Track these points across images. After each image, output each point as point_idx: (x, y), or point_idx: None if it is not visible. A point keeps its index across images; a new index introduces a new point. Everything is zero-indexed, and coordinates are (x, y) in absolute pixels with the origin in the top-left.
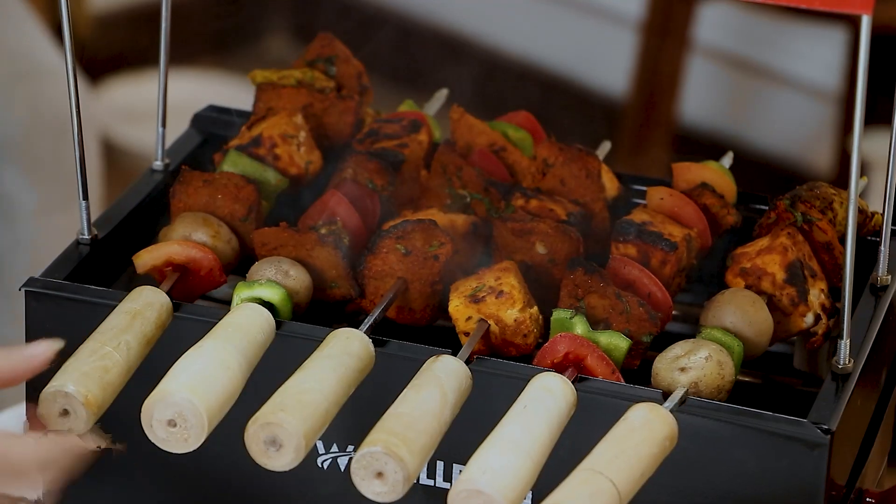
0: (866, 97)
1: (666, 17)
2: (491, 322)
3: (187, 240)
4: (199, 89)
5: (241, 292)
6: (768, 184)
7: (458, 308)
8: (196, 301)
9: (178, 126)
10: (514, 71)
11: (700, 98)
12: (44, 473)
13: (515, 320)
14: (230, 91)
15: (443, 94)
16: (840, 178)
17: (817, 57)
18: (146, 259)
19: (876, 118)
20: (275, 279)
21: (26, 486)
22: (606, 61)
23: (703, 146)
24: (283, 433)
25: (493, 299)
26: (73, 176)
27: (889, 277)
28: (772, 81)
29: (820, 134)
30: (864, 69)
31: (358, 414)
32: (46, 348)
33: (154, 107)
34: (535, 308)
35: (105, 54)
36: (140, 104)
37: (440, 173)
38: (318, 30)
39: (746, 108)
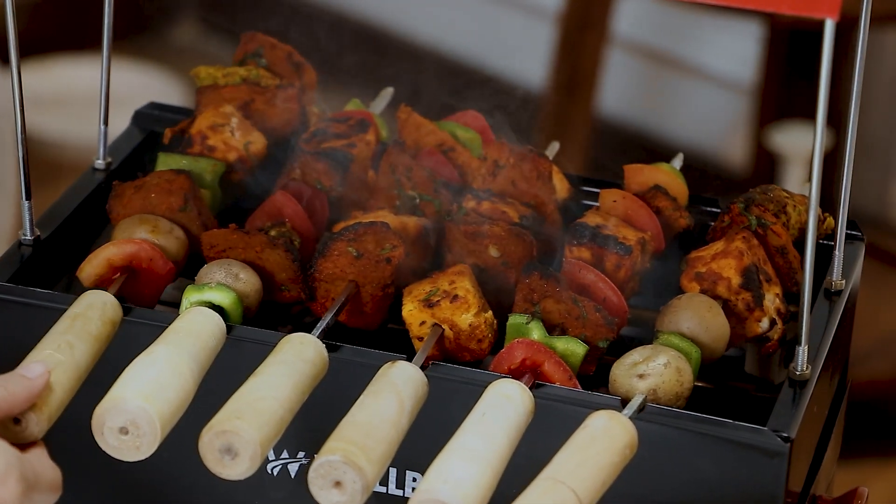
0: (784, 93)
1: (585, 10)
2: (445, 327)
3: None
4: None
5: (191, 296)
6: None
7: (412, 312)
8: (156, 306)
9: (86, 115)
10: (430, 62)
11: (618, 91)
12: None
13: (470, 325)
14: (140, 79)
15: (388, 92)
16: (756, 172)
17: (732, 50)
18: (88, 270)
19: (793, 112)
20: (225, 282)
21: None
22: (525, 53)
23: (621, 139)
24: (240, 441)
25: (447, 304)
26: None
27: (843, 282)
28: (688, 74)
29: (734, 127)
30: (827, 73)
31: (309, 420)
32: (42, 369)
33: (68, 93)
34: (490, 312)
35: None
36: (46, 92)
37: (389, 174)
38: (224, 16)
39: (663, 100)
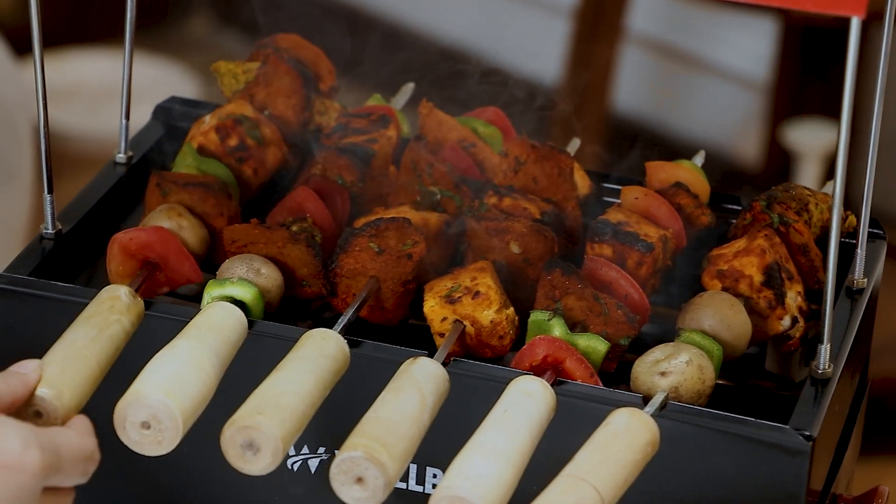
0: (798, 90)
1: (599, 6)
2: (466, 323)
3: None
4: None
5: (213, 290)
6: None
7: (434, 309)
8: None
9: (96, 107)
10: (447, 60)
11: (631, 87)
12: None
13: (492, 321)
14: (155, 73)
15: (409, 87)
16: (768, 169)
17: (747, 47)
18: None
19: (807, 109)
20: (246, 277)
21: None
22: (539, 49)
23: (636, 136)
24: (261, 437)
25: (469, 300)
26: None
27: (865, 280)
28: (702, 71)
29: (748, 124)
30: (853, 71)
31: (329, 415)
32: (35, 365)
33: (79, 86)
34: (512, 309)
35: (24, 31)
36: (63, 84)
37: (410, 170)
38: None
39: (677, 97)
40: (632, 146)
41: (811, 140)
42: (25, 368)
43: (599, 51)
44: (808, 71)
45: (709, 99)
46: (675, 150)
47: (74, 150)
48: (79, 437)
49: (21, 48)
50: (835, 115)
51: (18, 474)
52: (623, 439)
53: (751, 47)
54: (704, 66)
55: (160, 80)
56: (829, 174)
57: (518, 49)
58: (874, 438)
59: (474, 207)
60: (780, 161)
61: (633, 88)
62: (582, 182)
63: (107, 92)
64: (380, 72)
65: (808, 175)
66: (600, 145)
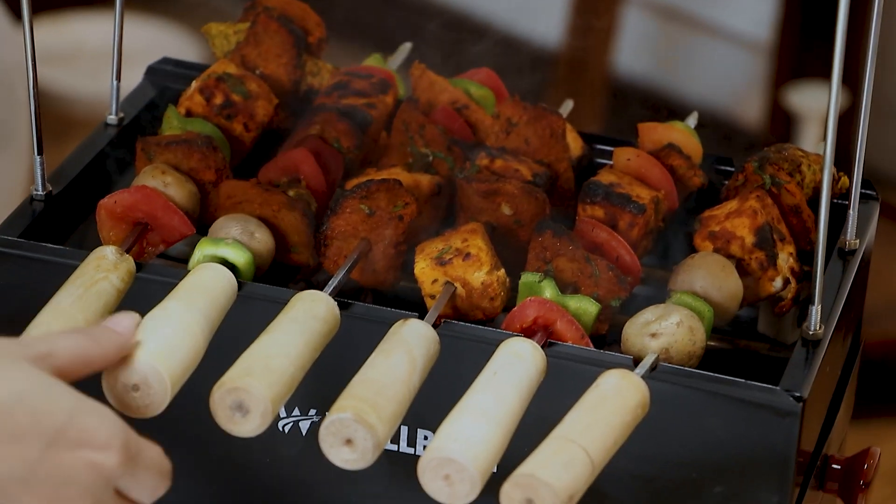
0: (800, 52)
1: None
2: (458, 285)
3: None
4: (130, 35)
5: (205, 248)
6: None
7: (424, 270)
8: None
9: (98, 70)
10: (444, 20)
11: (633, 49)
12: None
13: (483, 283)
14: (152, 35)
15: (406, 47)
16: (772, 131)
17: (749, 9)
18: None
19: (809, 71)
20: (240, 240)
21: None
22: (540, 11)
23: (637, 98)
24: (250, 398)
25: (459, 261)
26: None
27: (857, 241)
28: (704, 33)
29: (750, 86)
30: (843, 31)
31: (320, 377)
32: (130, 322)
33: (80, 48)
34: (503, 271)
35: None
36: (62, 46)
37: (402, 131)
38: None
39: (678, 59)
40: (632, 108)
41: (813, 102)
42: (119, 325)
43: (600, 12)
44: (809, 33)
45: (710, 61)
46: (676, 112)
47: (77, 112)
48: (159, 453)
49: (20, 12)
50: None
51: (98, 467)
52: (613, 401)
53: (753, 9)
54: (706, 27)
55: (158, 42)
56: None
57: (519, 11)
58: (871, 401)
59: (465, 169)
60: (782, 124)
61: (634, 51)
62: (574, 143)
63: (109, 54)
64: (380, 31)
65: (809, 137)
66: (602, 108)
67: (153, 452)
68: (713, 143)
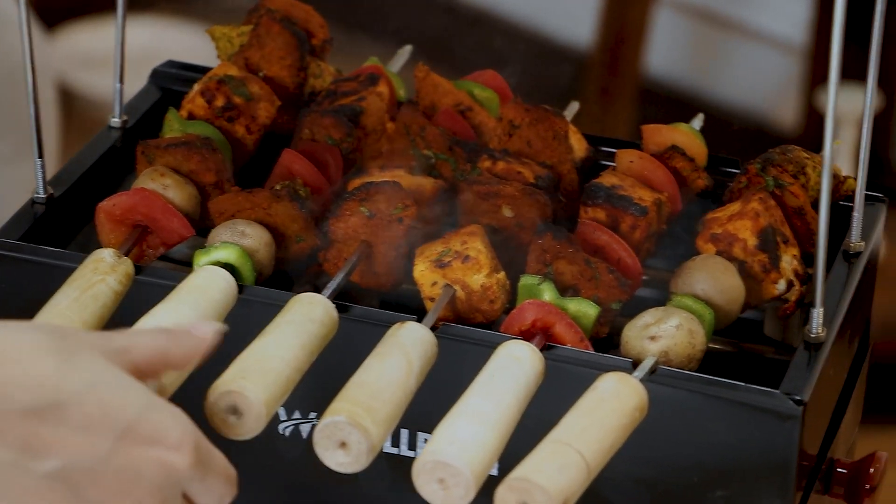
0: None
1: None
2: (457, 287)
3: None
4: (156, 39)
5: (200, 259)
6: (736, 139)
7: (424, 273)
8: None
9: (136, 78)
10: (476, 22)
11: (666, 51)
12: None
13: (482, 286)
14: (190, 41)
15: (406, 50)
16: (807, 134)
17: (784, 10)
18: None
19: (845, 74)
20: (231, 240)
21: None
22: (571, 13)
23: (669, 101)
24: (244, 402)
25: (459, 264)
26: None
27: (862, 244)
28: (738, 35)
29: (786, 89)
30: (840, 26)
31: (321, 380)
32: (214, 331)
33: (109, 54)
34: (503, 273)
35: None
36: (99, 50)
37: (403, 133)
38: None
39: (712, 61)
40: (667, 111)
41: (847, 104)
42: (199, 331)
43: (633, 13)
44: (846, 35)
45: (745, 63)
46: (709, 114)
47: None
48: (225, 460)
49: (53, 18)
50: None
51: (168, 466)
52: (610, 404)
53: (789, 10)
54: (741, 29)
55: (177, 43)
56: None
57: (550, 11)
58: (886, 405)
59: (467, 171)
60: (817, 126)
61: (668, 52)
62: (579, 145)
63: (147, 58)
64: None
65: (844, 139)
66: (633, 109)
67: (223, 461)
68: (747, 145)
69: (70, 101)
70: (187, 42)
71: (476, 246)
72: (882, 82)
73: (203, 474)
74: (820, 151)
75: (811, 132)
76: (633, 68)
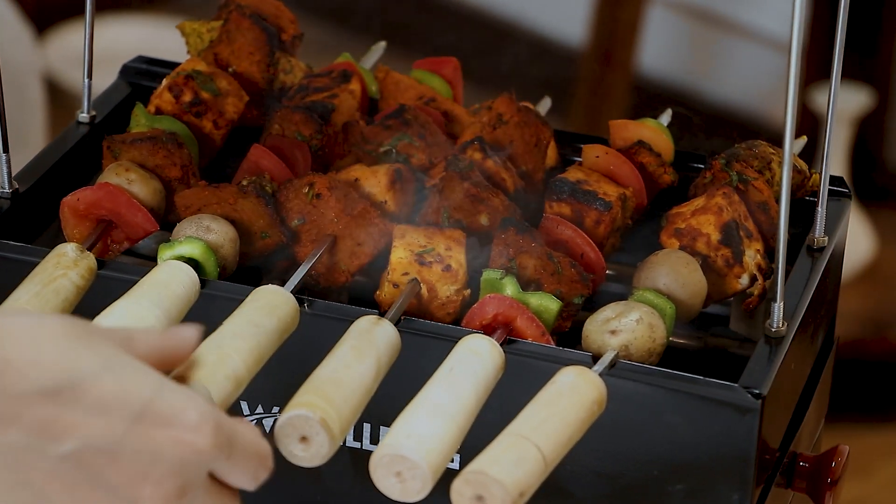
0: (829, 53)
1: None
2: (424, 287)
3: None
4: (156, 38)
5: (164, 254)
6: (728, 136)
7: (402, 261)
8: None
9: (111, 76)
10: (468, 19)
11: (659, 48)
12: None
13: (448, 297)
14: (163, 37)
15: (380, 46)
16: (801, 132)
17: (778, 8)
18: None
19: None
20: (195, 235)
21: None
22: (563, 9)
23: (662, 98)
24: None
25: (438, 270)
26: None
27: (826, 239)
28: (732, 32)
29: (780, 86)
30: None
31: (284, 374)
32: (195, 333)
33: (104, 53)
34: (469, 291)
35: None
36: (98, 50)
37: (358, 149)
38: None
39: (706, 59)
40: (657, 108)
41: (839, 103)
42: (186, 332)
43: (626, 11)
44: (828, 36)
45: (738, 61)
46: (703, 113)
47: None
48: (255, 435)
49: (46, 18)
50: (864, 79)
51: (187, 447)
52: (568, 398)
53: (782, 9)
54: (734, 27)
55: (161, 40)
56: (856, 136)
57: (541, 8)
58: (888, 405)
59: (459, 160)
60: (810, 124)
61: (661, 50)
62: (552, 152)
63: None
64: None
65: (836, 137)
66: (625, 109)
67: (250, 435)
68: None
69: (62, 100)
70: (179, 40)
71: (458, 258)
72: (875, 82)
73: (229, 454)
74: (818, 150)
75: (805, 130)
76: (625, 66)
